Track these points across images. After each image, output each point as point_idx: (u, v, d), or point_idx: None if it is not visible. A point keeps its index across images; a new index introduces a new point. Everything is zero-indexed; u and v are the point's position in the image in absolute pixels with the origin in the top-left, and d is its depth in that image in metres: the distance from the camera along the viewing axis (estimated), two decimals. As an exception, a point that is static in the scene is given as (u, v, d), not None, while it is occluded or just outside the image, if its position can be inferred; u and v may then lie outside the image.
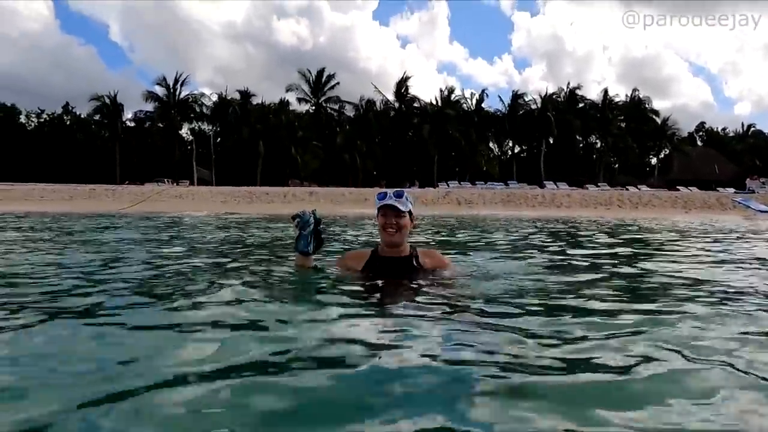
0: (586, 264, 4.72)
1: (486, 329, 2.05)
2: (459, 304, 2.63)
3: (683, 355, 1.71)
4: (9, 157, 56.11)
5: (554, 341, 1.88)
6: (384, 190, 3.28)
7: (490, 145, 63.93)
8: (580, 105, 59.11)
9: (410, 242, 3.29)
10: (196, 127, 60.68)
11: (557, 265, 4.46)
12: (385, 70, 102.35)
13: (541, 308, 2.53)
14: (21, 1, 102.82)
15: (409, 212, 3.15)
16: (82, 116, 62.61)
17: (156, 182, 44.14)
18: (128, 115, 59.62)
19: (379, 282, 3.04)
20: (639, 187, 41.50)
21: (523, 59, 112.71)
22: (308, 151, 56.30)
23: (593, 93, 76.58)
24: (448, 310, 2.42)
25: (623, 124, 59.33)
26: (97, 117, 58.27)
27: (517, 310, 2.43)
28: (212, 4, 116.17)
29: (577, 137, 60.01)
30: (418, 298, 2.67)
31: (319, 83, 57.53)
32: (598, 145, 61.20)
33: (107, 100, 56.21)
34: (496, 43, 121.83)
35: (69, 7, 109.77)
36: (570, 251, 6.23)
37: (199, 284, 3.24)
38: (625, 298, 3.07)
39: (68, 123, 63.63)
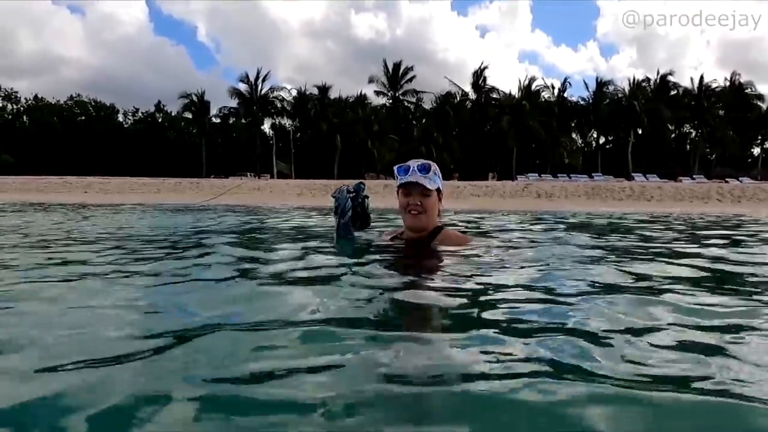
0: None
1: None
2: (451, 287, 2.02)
3: None
4: (108, 154, 60.32)
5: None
6: (407, 163, 2.74)
7: (573, 136, 61.27)
8: (672, 93, 55.31)
9: (441, 222, 2.91)
10: (277, 123, 62.57)
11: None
12: (464, 62, 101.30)
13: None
14: (120, 9, 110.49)
15: (437, 190, 2.74)
16: (173, 114, 66.26)
17: (239, 176, 45.97)
18: (213, 111, 62.47)
19: (387, 264, 2.55)
20: (740, 179, 38.31)
21: (609, 46, 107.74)
22: (385, 144, 56.46)
23: (688, 79, 71.67)
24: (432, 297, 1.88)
25: (721, 112, 54.88)
26: (185, 114, 61.38)
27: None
28: (293, 2, 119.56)
29: (669, 127, 56.23)
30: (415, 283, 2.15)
31: (396, 76, 57.49)
32: (693, 135, 57.05)
33: (195, 98, 59.00)
34: (580, 29, 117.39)
35: (161, 10, 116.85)
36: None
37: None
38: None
39: (160, 120, 67.52)
